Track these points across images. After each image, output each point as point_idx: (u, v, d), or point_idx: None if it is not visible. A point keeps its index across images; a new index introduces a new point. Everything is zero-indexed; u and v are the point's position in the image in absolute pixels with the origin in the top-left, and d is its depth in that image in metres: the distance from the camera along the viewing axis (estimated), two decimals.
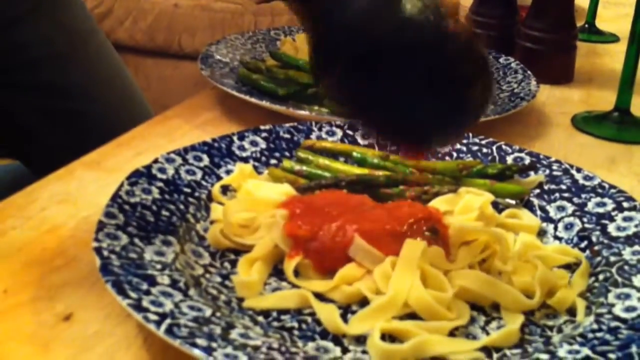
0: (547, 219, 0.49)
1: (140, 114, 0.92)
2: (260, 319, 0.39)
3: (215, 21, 2.26)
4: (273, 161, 0.54)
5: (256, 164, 0.53)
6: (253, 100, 0.64)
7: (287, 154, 0.55)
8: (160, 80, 2.32)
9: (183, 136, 0.64)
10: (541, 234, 0.49)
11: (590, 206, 0.49)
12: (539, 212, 0.50)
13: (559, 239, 0.48)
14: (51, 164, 0.68)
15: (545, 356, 0.35)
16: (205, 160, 0.52)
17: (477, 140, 0.57)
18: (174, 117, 0.68)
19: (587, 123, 0.70)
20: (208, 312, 0.36)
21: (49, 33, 0.83)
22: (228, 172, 0.52)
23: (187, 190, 0.48)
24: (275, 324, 0.38)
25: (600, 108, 0.75)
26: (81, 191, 0.54)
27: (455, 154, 0.56)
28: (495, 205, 0.50)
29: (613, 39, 1.03)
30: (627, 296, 0.40)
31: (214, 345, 0.33)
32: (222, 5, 2.31)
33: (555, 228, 0.49)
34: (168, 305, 0.35)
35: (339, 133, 0.58)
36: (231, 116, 0.68)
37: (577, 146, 0.67)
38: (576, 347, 0.36)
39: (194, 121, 0.67)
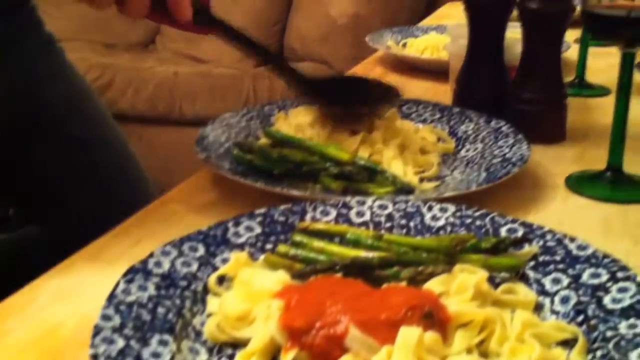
0: (543, 292, 0.50)
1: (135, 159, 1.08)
2: None
3: (215, 87, 2.31)
4: (269, 245, 0.55)
5: (252, 249, 0.54)
6: (248, 182, 0.64)
7: (282, 237, 0.56)
8: (163, 147, 2.34)
9: (180, 221, 0.65)
10: (538, 308, 0.49)
11: (585, 277, 0.49)
12: (534, 286, 0.50)
13: (556, 313, 0.48)
14: (70, 219, 0.92)
15: None
16: (201, 250, 0.52)
17: (470, 212, 0.57)
18: (170, 201, 0.69)
19: (580, 184, 0.71)
20: None
21: (66, 92, 0.98)
22: (224, 260, 0.52)
23: (183, 283, 0.49)
24: None
25: (594, 165, 0.75)
26: (81, 286, 0.54)
27: (449, 228, 0.56)
28: (491, 278, 0.50)
29: (604, 92, 1.04)
30: None
31: None
32: (221, 71, 2.35)
33: (552, 302, 0.49)
34: None
35: (333, 212, 0.58)
36: (228, 197, 0.69)
37: (572, 208, 0.67)
38: None
39: (191, 205, 0.68)
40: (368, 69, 1.20)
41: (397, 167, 0.71)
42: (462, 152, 0.78)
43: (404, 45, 1.26)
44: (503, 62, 0.90)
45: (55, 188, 0.98)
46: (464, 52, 0.92)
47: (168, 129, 2.33)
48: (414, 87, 1.10)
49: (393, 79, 1.14)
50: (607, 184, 0.70)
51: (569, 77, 1.07)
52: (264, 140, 0.76)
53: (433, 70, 1.13)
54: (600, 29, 0.69)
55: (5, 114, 0.91)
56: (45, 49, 0.98)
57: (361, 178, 0.67)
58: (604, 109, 0.97)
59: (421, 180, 0.71)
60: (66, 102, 0.97)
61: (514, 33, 0.94)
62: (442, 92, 1.05)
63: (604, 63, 1.21)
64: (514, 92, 0.84)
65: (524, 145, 0.73)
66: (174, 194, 0.71)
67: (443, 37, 1.24)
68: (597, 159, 0.77)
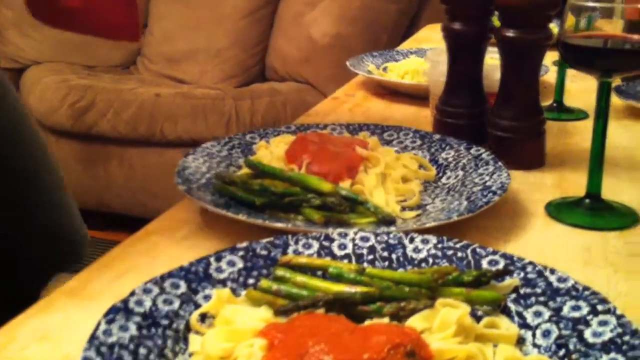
0: (525, 325, 0.50)
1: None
2: None
3: (196, 108, 2.30)
4: (251, 280, 0.55)
5: (234, 285, 0.54)
6: (230, 214, 0.64)
7: (264, 271, 0.56)
8: (144, 169, 2.34)
9: (163, 253, 0.65)
10: (520, 341, 0.49)
11: (565, 310, 0.49)
12: (516, 319, 0.50)
13: (538, 346, 0.48)
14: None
15: None
16: (183, 286, 0.52)
17: (451, 244, 0.57)
18: (153, 232, 0.69)
19: (560, 211, 0.71)
20: None
21: None
22: (206, 297, 0.52)
23: (165, 322, 0.48)
24: None
25: (574, 190, 0.76)
26: (62, 324, 0.54)
27: (431, 260, 0.57)
28: (473, 310, 0.51)
29: (582, 115, 1.05)
30: None
31: None
32: (203, 92, 2.35)
33: (534, 335, 0.49)
34: None
35: (316, 245, 0.58)
36: (211, 228, 0.69)
37: (552, 236, 0.68)
38: None
39: (173, 236, 0.68)
40: (349, 93, 1.21)
41: (378, 196, 0.71)
42: (443, 180, 0.78)
43: (385, 69, 1.27)
44: (482, 89, 0.91)
45: None
46: (444, 78, 0.93)
47: (149, 151, 2.32)
48: (395, 112, 1.11)
49: (374, 103, 1.15)
50: (587, 211, 0.71)
51: (547, 101, 1.09)
52: (245, 170, 0.76)
53: (414, 95, 1.13)
54: (576, 59, 0.70)
55: None
56: None
57: (343, 209, 0.67)
58: (583, 133, 0.98)
59: (403, 209, 0.72)
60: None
61: (492, 59, 0.95)
62: (423, 117, 1.06)
63: (582, 85, 1.23)
64: (492, 119, 0.85)
65: (504, 173, 0.73)
66: (155, 225, 0.71)
67: (423, 61, 1.25)
68: (576, 184, 0.78)
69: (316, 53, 2.38)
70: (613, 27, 0.69)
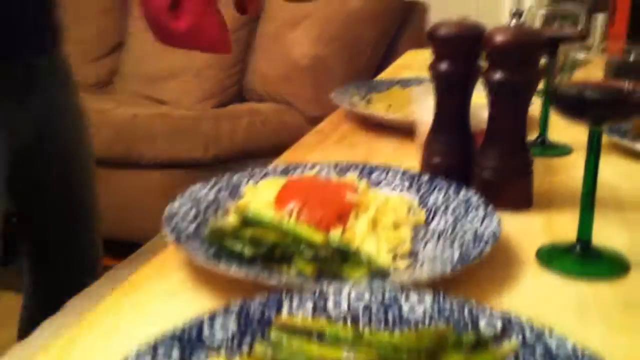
0: None
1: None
2: None
3: (176, 128, 2.28)
4: (246, 344, 0.54)
5: (228, 350, 0.53)
6: (221, 269, 0.63)
7: (259, 332, 0.55)
8: (123, 191, 2.31)
9: (152, 308, 0.64)
10: None
11: None
12: None
13: None
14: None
15: None
16: (176, 354, 0.51)
17: (447, 305, 0.57)
18: (141, 285, 0.67)
19: (551, 259, 0.71)
20: None
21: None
22: None
23: None
24: None
25: (563, 232, 0.76)
26: None
27: (427, 320, 0.56)
28: None
29: (567, 150, 1.05)
30: None
31: None
32: (181, 113, 2.33)
33: None
34: None
35: (310, 303, 0.57)
36: (200, 277, 0.68)
37: (545, 287, 0.68)
38: None
39: (161, 288, 0.67)
40: (335, 124, 1.20)
41: (370, 244, 0.70)
42: (433, 224, 0.78)
43: (369, 101, 1.26)
44: (469, 129, 0.91)
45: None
46: (431, 115, 0.93)
47: (127, 173, 2.29)
48: (381, 144, 1.10)
49: (360, 135, 1.15)
50: (578, 259, 0.71)
51: (531, 135, 1.09)
52: (235, 216, 0.75)
53: (399, 128, 1.13)
54: (566, 111, 0.70)
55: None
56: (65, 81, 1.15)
57: (335, 261, 0.66)
58: (568, 169, 0.98)
59: (394, 256, 0.71)
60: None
61: (479, 97, 0.95)
62: (409, 150, 1.05)
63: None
64: (479, 159, 0.85)
65: (495, 220, 0.73)
66: (144, 273, 0.70)
67: (406, 91, 1.25)
68: (565, 226, 0.78)
69: (296, 73, 2.37)
70: (595, 68, 0.69)
